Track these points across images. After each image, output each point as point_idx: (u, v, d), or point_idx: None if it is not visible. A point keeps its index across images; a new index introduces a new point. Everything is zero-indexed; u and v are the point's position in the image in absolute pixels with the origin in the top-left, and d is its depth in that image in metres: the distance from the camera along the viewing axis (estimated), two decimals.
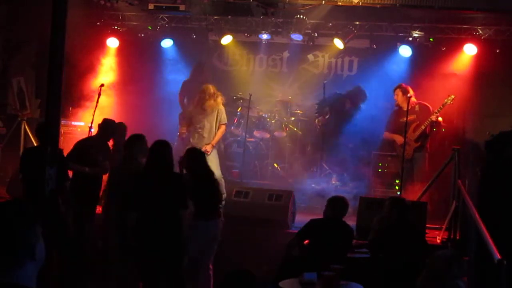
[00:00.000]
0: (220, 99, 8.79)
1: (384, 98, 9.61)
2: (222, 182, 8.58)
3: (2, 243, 2.00)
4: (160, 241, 5.58)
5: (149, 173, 5.76)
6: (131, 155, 6.52)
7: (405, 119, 8.57)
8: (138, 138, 6.57)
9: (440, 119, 8.81)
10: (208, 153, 8.46)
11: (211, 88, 8.76)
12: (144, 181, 5.72)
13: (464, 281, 4.60)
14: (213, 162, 8.56)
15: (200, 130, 8.75)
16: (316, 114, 10.02)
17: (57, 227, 5.80)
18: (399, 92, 8.93)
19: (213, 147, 8.63)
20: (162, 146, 5.83)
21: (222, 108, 8.84)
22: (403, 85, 9.01)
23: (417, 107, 8.91)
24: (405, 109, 8.59)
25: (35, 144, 9.16)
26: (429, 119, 8.76)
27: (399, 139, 8.86)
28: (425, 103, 8.99)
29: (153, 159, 5.76)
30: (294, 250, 6.13)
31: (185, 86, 10.55)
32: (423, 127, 8.79)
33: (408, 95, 8.60)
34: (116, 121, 7.69)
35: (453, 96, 8.71)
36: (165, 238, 5.60)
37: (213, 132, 8.72)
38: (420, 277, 4.59)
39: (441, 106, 8.73)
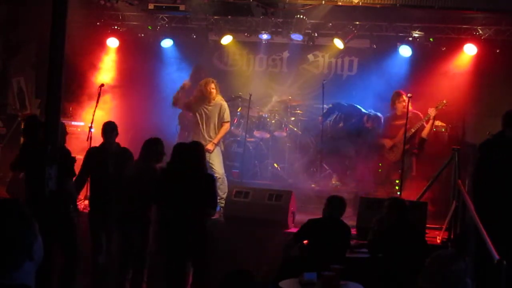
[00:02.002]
0: (219, 95, 8.79)
1: (384, 98, 9.60)
2: (224, 181, 8.57)
3: (1, 246, 2.01)
4: (187, 240, 5.87)
5: (179, 173, 5.98)
6: (140, 158, 6.52)
7: (397, 122, 8.91)
8: (153, 142, 6.56)
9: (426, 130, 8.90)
10: (210, 151, 8.44)
11: (211, 81, 8.69)
12: (174, 181, 5.95)
13: (471, 279, 4.60)
14: (216, 161, 8.54)
15: (201, 127, 8.70)
16: (322, 116, 9.92)
17: (57, 226, 5.79)
18: (406, 99, 8.82)
19: (215, 145, 8.59)
20: (193, 148, 6.15)
21: (225, 105, 8.75)
22: (401, 91, 9.06)
23: (410, 114, 8.95)
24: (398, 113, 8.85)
25: None
26: (419, 123, 8.84)
27: (387, 142, 9.05)
28: (416, 111, 8.96)
29: (183, 160, 6.00)
30: (292, 251, 6.14)
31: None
32: (413, 130, 8.84)
33: (405, 98, 8.74)
34: (117, 121, 7.66)
35: (445, 101, 8.84)
36: (193, 237, 5.88)
37: (215, 130, 8.68)
38: (420, 277, 4.59)
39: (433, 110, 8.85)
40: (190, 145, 6.31)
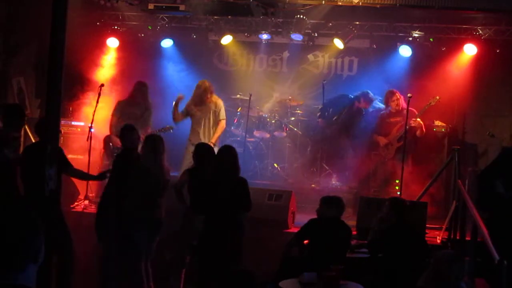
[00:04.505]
0: (214, 94, 8.85)
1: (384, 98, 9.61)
2: None
3: (10, 249, 2.03)
4: (223, 243, 5.82)
5: (217, 177, 5.98)
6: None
7: (391, 119, 9.04)
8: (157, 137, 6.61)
9: (418, 119, 8.91)
10: None
11: (207, 82, 8.78)
12: (211, 185, 5.95)
13: (466, 281, 4.61)
14: None
15: (198, 127, 8.72)
16: (319, 118, 9.92)
17: (56, 226, 5.79)
18: (399, 96, 8.99)
19: (214, 144, 8.58)
20: (230, 151, 6.12)
21: (220, 103, 8.81)
22: (394, 90, 9.16)
23: (404, 111, 8.98)
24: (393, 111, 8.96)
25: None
26: (412, 120, 8.86)
27: (382, 140, 9.09)
28: (411, 108, 8.99)
29: (221, 163, 6.01)
30: (293, 250, 6.14)
31: (119, 106, 9.07)
32: (407, 127, 8.85)
33: (398, 96, 8.94)
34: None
35: (438, 97, 8.87)
36: (229, 240, 5.85)
37: (212, 129, 8.70)
38: (423, 277, 4.60)
39: (425, 107, 8.89)
40: (222, 149, 6.30)
